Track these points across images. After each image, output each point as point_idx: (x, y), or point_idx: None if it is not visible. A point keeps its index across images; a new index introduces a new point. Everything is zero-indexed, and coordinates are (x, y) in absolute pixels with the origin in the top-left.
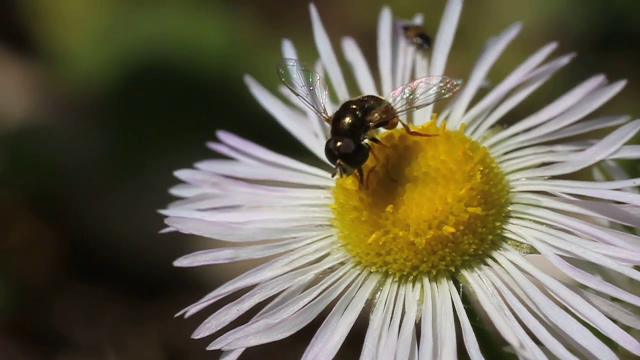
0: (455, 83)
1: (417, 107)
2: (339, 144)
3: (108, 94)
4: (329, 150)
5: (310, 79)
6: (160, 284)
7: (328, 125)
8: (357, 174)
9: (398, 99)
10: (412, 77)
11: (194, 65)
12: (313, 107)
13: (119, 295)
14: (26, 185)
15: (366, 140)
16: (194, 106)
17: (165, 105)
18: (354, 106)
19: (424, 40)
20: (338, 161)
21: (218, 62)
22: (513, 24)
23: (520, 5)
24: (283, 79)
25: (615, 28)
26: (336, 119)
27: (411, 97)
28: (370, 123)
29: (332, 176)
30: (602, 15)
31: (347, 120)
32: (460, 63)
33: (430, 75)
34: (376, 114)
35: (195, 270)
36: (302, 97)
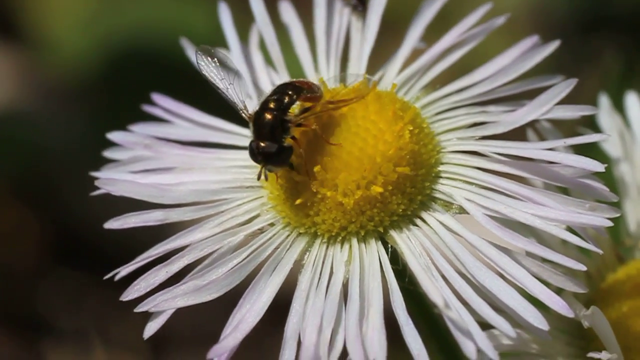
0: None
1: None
2: (261, 145)
3: (93, 79)
4: (252, 153)
5: (229, 71)
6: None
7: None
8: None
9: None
10: (347, 39)
11: (179, 51)
12: (234, 103)
13: (103, 280)
14: (10, 170)
15: (290, 134)
16: (178, 91)
17: (149, 90)
18: (272, 105)
19: (359, 2)
20: (261, 163)
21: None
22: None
23: None
24: (203, 72)
25: (599, 11)
26: (256, 121)
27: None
28: (290, 124)
29: (258, 179)
30: None
31: (267, 122)
32: None
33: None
34: (295, 112)
35: None
36: (222, 91)
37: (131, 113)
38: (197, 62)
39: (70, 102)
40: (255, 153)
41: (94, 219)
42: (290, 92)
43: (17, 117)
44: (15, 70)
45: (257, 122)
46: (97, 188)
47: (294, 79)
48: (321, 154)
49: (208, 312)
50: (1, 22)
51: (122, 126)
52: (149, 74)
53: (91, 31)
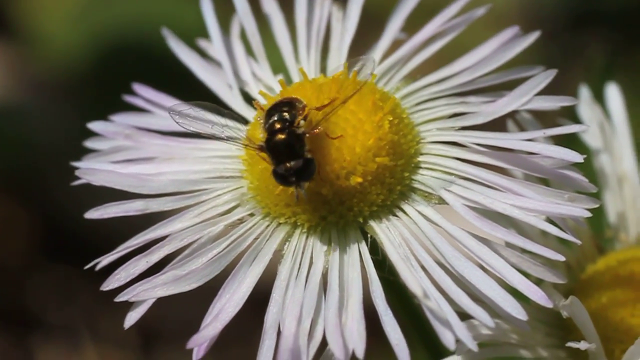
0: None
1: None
2: (288, 165)
3: (82, 73)
4: (282, 177)
5: (215, 116)
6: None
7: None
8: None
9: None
10: (328, 29)
11: (169, 45)
12: (237, 142)
13: (93, 275)
14: None
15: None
16: (168, 86)
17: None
18: (278, 125)
19: None
20: (294, 183)
21: (192, 41)
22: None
23: None
24: (188, 129)
25: (589, 7)
26: (271, 147)
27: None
28: (306, 135)
29: (297, 200)
30: None
31: (283, 142)
32: None
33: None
34: (301, 121)
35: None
36: (219, 137)
37: (120, 107)
38: (177, 122)
39: (59, 96)
40: (286, 175)
41: (84, 213)
42: (285, 109)
43: (6, 111)
44: (4, 64)
45: (272, 147)
46: (88, 184)
47: (280, 99)
48: None
49: (198, 308)
50: None
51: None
52: (138, 68)
53: (80, 25)
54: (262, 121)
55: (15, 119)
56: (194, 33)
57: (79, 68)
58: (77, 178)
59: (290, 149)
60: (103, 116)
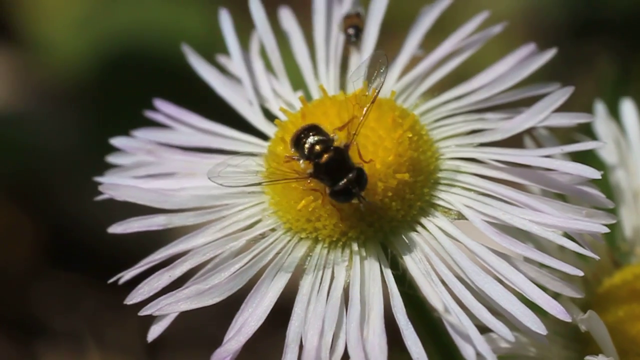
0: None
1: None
2: (346, 180)
3: (87, 80)
4: (344, 193)
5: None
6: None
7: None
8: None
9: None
10: (346, 47)
11: (173, 52)
12: (287, 180)
13: (98, 282)
14: (4, 171)
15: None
16: (172, 94)
17: (144, 92)
18: (320, 147)
19: (355, 33)
20: (357, 194)
21: (197, 49)
22: None
23: None
24: (242, 185)
25: (592, 16)
26: (324, 168)
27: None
28: (349, 147)
29: (365, 211)
30: (579, 2)
31: (334, 159)
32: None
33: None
34: (337, 138)
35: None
36: (270, 181)
37: (124, 115)
38: (224, 185)
39: (64, 104)
40: (350, 188)
41: (89, 220)
42: (312, 133)
43: (11, 119)
44: (9, 72)
45: (326, 168)
46: (95, 190)
47: (302, 127)
48: None
49: (203, 315)
50: None
51: (115, 128)
52: (142, 75)
53: (85, 33)
54: (294, 150)
55: (19, 126)
56: (199, 40)
57: (83, 75)
58: (83, 185)
59: (343, 163)
60: (107, 123)
